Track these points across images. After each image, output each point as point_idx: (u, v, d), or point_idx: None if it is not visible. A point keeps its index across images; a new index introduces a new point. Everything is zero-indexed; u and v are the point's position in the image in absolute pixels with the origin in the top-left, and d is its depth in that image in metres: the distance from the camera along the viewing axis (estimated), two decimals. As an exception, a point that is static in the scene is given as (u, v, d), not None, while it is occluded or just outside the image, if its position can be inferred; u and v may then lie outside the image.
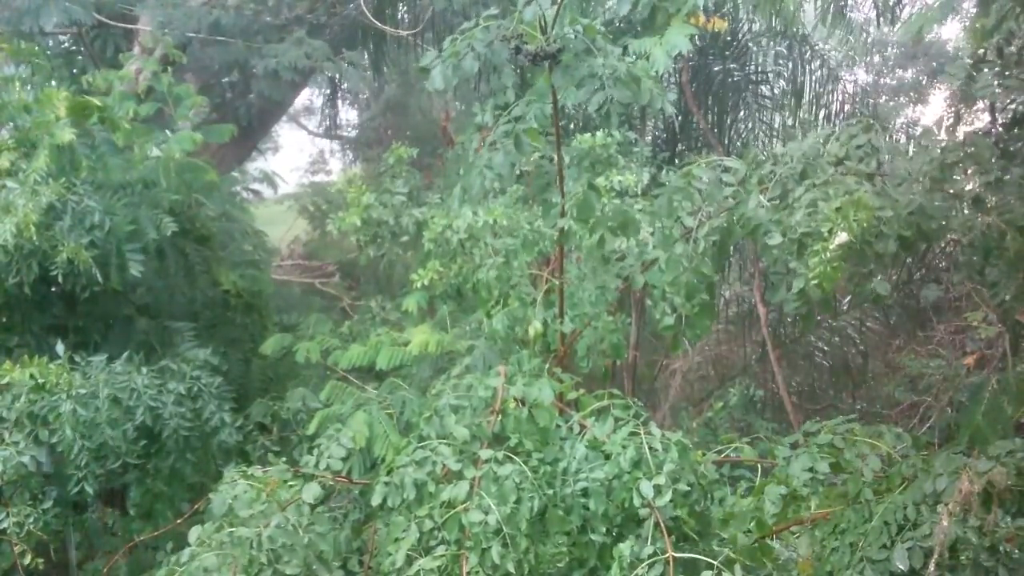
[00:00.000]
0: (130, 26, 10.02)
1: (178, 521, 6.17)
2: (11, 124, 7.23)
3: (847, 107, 12.88)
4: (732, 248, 10.95)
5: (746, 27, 12.32)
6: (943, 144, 5.30)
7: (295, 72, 10.27)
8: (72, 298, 7.09)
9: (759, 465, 5.05)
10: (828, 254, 4.38)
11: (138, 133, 7.59)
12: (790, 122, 13.04)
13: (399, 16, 12.58)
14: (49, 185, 6.59)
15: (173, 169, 7.57)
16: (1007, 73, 7.07)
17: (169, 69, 9.10)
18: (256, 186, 13.17)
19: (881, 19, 11.67)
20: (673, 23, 4.72)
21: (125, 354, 6.70)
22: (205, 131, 8.91)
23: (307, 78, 10.89)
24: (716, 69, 12.18)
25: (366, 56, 13.80)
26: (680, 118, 12.11)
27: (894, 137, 13.59)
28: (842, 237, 4.36)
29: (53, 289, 6.89)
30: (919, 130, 13.76)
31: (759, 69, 12.42)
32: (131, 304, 7.59)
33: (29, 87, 7.67)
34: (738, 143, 12.30)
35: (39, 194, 6.49)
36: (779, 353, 12.04)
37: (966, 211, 5.10)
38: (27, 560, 6.04)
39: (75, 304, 7.16)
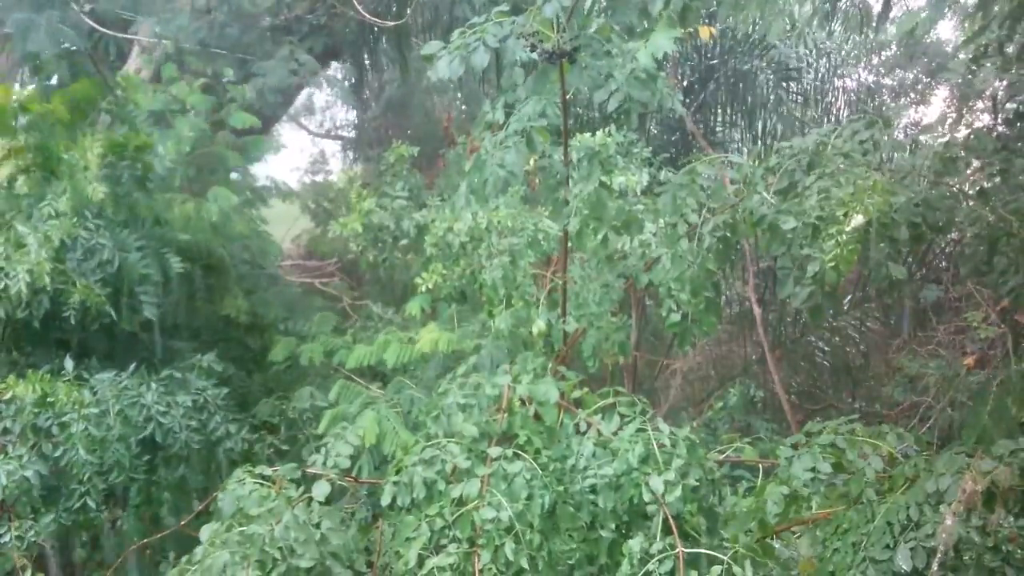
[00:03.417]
0: (128, 35, 10.04)
1: (182, 523, 6.18)
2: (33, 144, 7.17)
3: (849, 107, 12.92)
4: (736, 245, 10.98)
5: (754, 28, 12.35)
6: (945, 139, 5.33)
7: (279, 92, 10.35)
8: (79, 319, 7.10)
9: (760, 465, 5.07)
10: (844, 237, 4.39)
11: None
12: (793, 121, 13.07)
13: (401, 15, 12.56)
14: (59, 223, 6.59)
15: (209, 226, 7.66)
16: (1008, 69, 7.11)
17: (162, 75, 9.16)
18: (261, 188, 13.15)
19: (871, 23, 11.70)
20: (659, 25, 4.73)
21: (132, 366, 6.70)
22: (246, 144, 9.01)
23: (295, 91, 10.97)
24: (719, 67, 12.22)
25: (367, 56, 13.80)
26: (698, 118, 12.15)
27: (896, 136, 13.63)
28: (858, 220, 4.38)
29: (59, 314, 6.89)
30: (920, 130, 13.80)
31: (782, 66, 12.44)
32: (134, 324, 7.58)
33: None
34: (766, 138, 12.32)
35: (51, 239, 6.49)
36: (779, 353, 12.05)
37: (970, 203, 5.13)
38: (28, 574, 6.04)
39: (80, 323, 7.17)
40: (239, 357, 8.38)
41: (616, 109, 4.40)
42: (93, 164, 6.95)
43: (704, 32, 4.98)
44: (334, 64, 13.40)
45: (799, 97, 12.88)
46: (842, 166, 4.78)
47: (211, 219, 7.71)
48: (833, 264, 4.47)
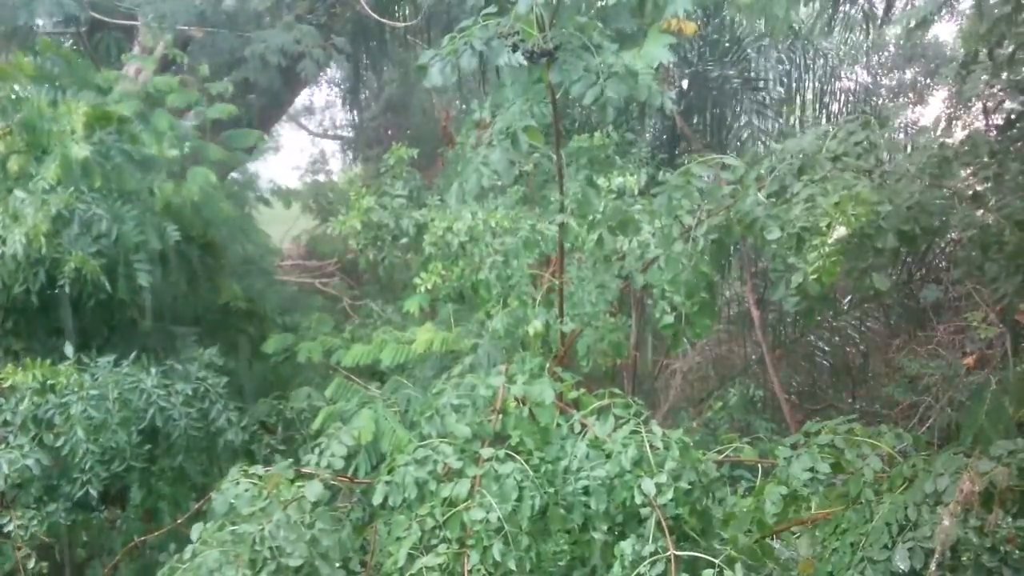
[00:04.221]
0: (128, 22, 10.01)
1: (178, 521, 6.18)
2: (21, 121, 7.18)
3: (847, 107, 12.90)
4: (732, 247, 10.99)
5: (744, 29, 12.35)
6: (940, 141, 5.32)
7: (285, 57, 10.18)
8: (76, 302, 7.09)
9: (759, 465, 5.06)
10: (826, 248, 4.39)
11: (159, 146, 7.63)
12: (789, 123, 13.07)
13: (401, 16, 12.58)
14: (58, 194, 6.58)
15: (190, 207, 7.62)
16: (1000, 75, 7.13)
17: (171, 69, 9.11)
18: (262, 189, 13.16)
19: (871, 24, 11.69)
20: (650, 33, 4.72)
21: (132, 355, 6.71)
22: (230, 136, 8.92)
23: (296, 62, 10.78)
24: (714, 75, 12.22)
25: (366, 56, 13.79)
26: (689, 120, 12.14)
27: (893, 136, 13.61)
28: (840, 231, 4.38)
29: (57, 290, 6.90)
30: (918, 130, 13.81)
31: (757, 74, 12.44)
32: (134, 308, 7.60)
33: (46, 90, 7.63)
34: (734, 147, 12.32)
35: (48, 204, 6.48)
36: (779, 353, 12.04)
37: (964, 206, 5.12)
38: (31, 564, 6.05)
39: (79, 308, 7.17)
40: (237, 344, 8.37)
41: (594, 103, 4.39)
42: (79, 126, 6.93)
43: (688, 28, 4.95)
44: (333, 64, 13.32)
45: (796, 100, 12.89)
46: (838, 170, 4.77)
47: (192, 199, 7.66)
48: (815, 276, 4.47)
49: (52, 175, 6.69)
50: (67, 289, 6.53)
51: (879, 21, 11.39)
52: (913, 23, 9.01)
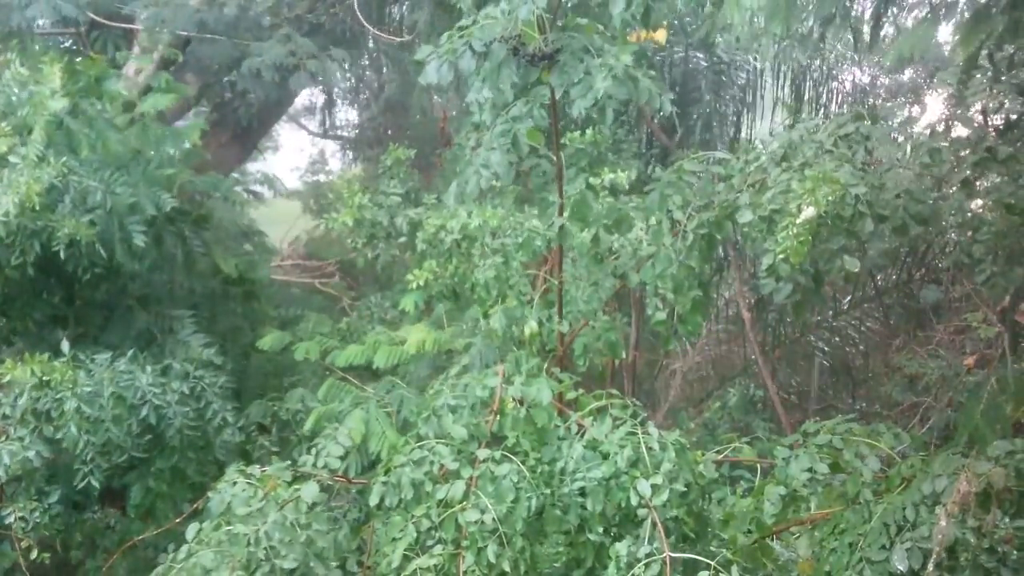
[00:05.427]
0: (127, 26, 10.00)
1: (176, 521, 6.18)
2: (10, 115, 7.16)
3: (844, 107, 12.89)
4: (731, 247, 10.99)
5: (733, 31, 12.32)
6: (931, 128, 5.32)
7: (279, 70, 10.21)
8: (71, 288, 7.06)
9: (758, 465, 5.05)
10: (795, 228, 4.38)
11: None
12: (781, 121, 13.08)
13: (398, 16, 12.56)
14: (50, 163, 6.56)
15: (153, 136, 7.55)
16: (999, 79, 7.13)
17: (170, 69, 9.09)
18: (256, 187, 13.14)
19: (863, 45, 11.67)
20: (616, 44, 4.73)
21: (130, 352, 6.71)
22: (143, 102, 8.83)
23: (291, 73, 10.77)
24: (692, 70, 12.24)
25: (366, 56, 13.76)
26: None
27: (892, 135, 13.56)
28: (809, 212, 4.37)
29: (52, 280, 6.86)
30: (916, 128, 13.80)
31: (739, 72, 12.45)
32: (130, 295, 7.60)
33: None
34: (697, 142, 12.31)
35: (42, 168, 6.42)
36: (779, 354, 12.02)
37: (955, 193, 5.13)
38: (33, 555, 6.06)
39: (74, 295, 7.15)
40: (236, 328, 8.39)
41: (593, 107, 4.39)
42: (56, 80, 6.89)
43: (659, 36, 4.95)
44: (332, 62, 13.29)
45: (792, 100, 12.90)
46: (813, 157, 4.76)
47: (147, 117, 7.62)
48: (784, 256, 4.46)
49: (37, 136, 6.63)
50: (62, 256, 6.46)
51: (868, 41, 11.38)
52: (907, 51, 9.02)
